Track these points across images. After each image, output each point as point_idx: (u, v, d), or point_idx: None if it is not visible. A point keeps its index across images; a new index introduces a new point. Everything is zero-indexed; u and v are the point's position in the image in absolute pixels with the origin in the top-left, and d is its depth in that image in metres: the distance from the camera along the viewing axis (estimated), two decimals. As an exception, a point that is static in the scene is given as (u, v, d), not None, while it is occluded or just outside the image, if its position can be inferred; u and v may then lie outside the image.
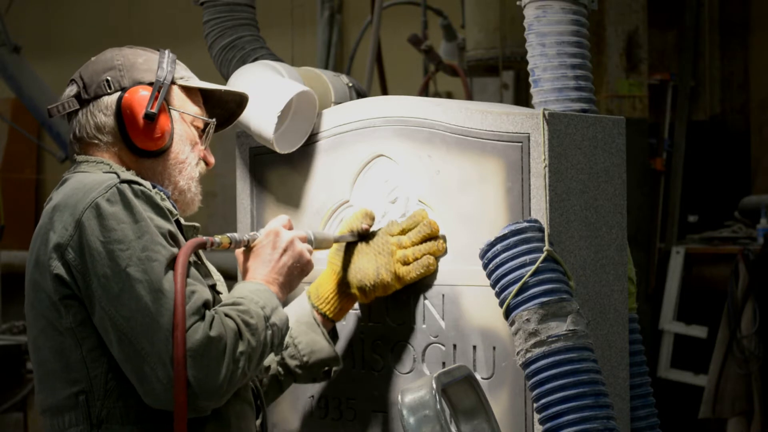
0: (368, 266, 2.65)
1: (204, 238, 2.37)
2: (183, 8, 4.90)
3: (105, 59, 2.48)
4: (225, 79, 3.05)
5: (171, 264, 2.28)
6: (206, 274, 2.45)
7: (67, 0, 9.03)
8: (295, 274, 2.50)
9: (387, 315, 2.74)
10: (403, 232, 2.66)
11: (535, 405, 2.48)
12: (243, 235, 2.47)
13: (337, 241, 2.66)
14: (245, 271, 2.48)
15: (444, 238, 2.66)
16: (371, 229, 2.69)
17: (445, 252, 2.66)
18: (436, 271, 2.66)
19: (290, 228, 2.53)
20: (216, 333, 2.25)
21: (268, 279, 2.45)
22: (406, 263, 2.64)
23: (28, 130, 6.87)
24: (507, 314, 2.50)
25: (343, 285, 2.67)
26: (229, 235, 2.44)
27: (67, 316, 2.30)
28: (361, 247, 2.67)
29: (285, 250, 2.48)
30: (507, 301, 2.49)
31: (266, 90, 2.71)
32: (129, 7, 8.64)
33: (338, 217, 2.82)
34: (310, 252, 2.53)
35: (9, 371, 5.09)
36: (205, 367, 2.23)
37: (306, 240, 2.54)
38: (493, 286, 2.52)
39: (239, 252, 2.51)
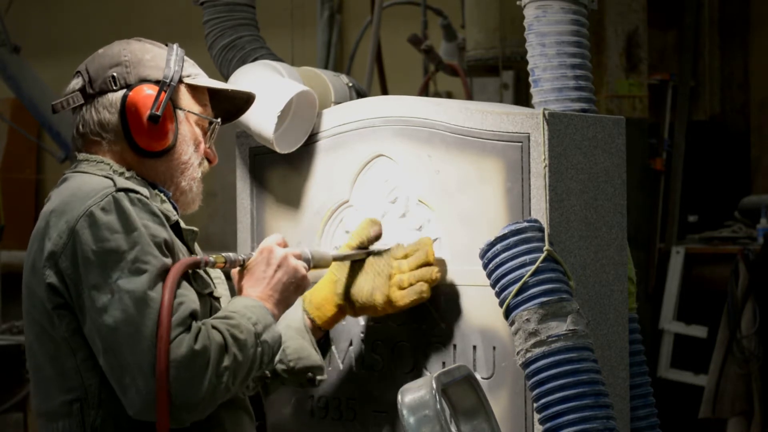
0: (365, 284, 2.62)
1: (198, 257, 2.34)
2: (183, 8, 4.90)
3: (112, 53, 2.44)
4: (225, 79, 3.04)
5: (161, 275, 2.25)
6: (203, 281, 2.42)
7: (67, 0, 9.02)
8: (291, 290, 2.46)
9: (387, 315, 2.73)
10: (406, 257, 2.64)
11: (535, 405, 2.48)
12: (238, 255, 2.44)
13: (336, 259, 2.63)
14: (240, 290, 2.46)
15: (443, 263, 2.62)
16: (380, 246, 2.66)
17: (437, 281, 2.62)
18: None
19: (284, 245, 2.49)
20: (200, 346, 2.23)
21: (262, 296, 2.41)
22: (401, 288, 2.61)
23: (28, 130, 6.87)
24: (507, 314, 2.50)
25: (337, 295, 2.64)
26: (224, 254, 2.41)
27: (61, 326, 2.28)
28: (363, 264, 2.65)
29: (279, 266, 2.44)
30: (507, 301, 2.49)
31: (266, 90, 2.71)
32: (129, 7, 8.64)
33: (338, 217, 2.82)
34: (306, 269, 2.50)
35: (9, 371, 5.08)
36: (187, 380, 2.21)
37: (299, 256, 2.50)
38: (493, 286, 2.52)
39: (235, 272, 2.48)
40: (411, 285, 2.59)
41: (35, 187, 8.84)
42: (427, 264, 2.60)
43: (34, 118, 5.31)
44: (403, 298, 2.59)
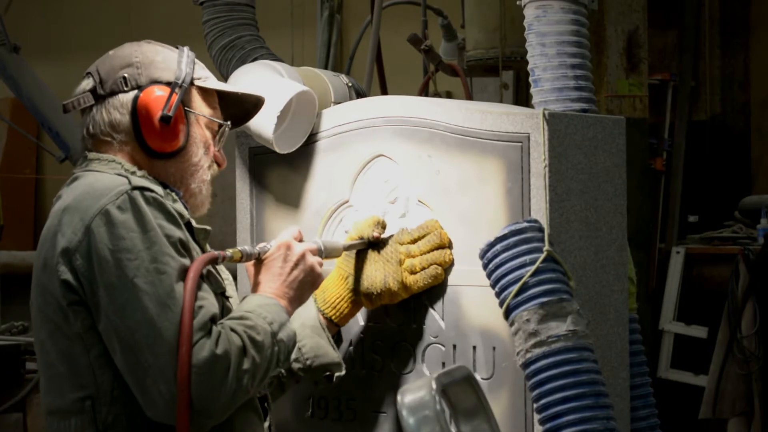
0: (376, 274, 2.64)
1: (216, 252, 2.33)
2: (183, 8, 4.89)
3: (123, 55, 2.43)
4: (224, 79, 3.04)
5: (180, 275, 2.25)
6: (216, 281, 2.42)
7: (67, 0, 9.02)
8: (306, 288, 2.46)
9: (387, 315, 2.73)
10: (413, 241, 2.65)
11: (535, 405, 2.48)
12: (254, 248, 2.44)
13: (346, 249, 2.65)
14: (256, 284, 2.45)
15: (451, 245, 2.64)
16: (382, 236, 2.68)
17: (452, 263, 2.65)
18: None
19: (301, 239, 2.50)
20: (222, 350, 2.22)
21: (277, 293, 2.41)
22: (413, 272, 2.63)
23: (28, 130, 6.84)
24: (507, 314, 2.50)
25: (350, 291, 2.66)
26: (240, 248, 2.40)
27: (75, 322, 2.27)
28: (370, 254, 2.66)
29: (296, 264, 2.45)
30: (507, 301, 2.48)
31: (266, 90, 2.70)
32: (129, 7, 8.63)
33: (338, 217, 2.82)
34: (321, 265, 2.50)
35: (8, 371, 5.07)
36: (209, 385, 2.21)
37: (317, 252, 2.51)
38: (493, 286, 2.52)
39: (249, 264, 2.48)
40: (423, 269, 2.61)
41: (35, 187, 8.83)
42: (440, 247, 2.62)
43: (34, 118, 5.29)
44: (417, 282, 2.63)
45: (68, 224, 2.28)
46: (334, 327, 2.68)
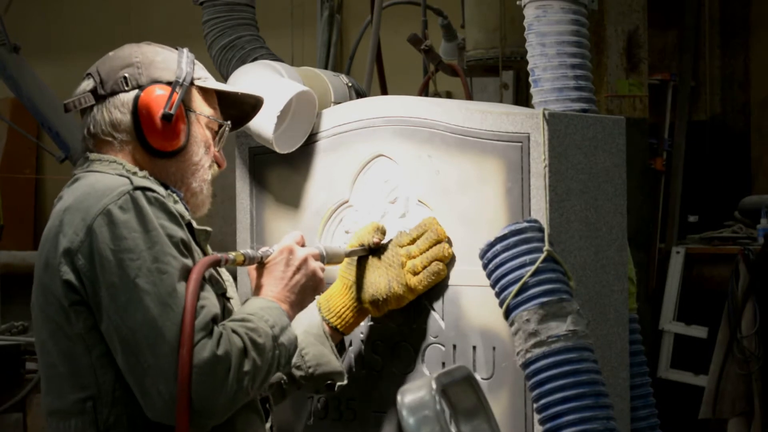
0: (380, 280, 2.64)
1: (219, 255, 2.34)
2: (183, 8, 4.89)
3: (123, 55, 2.44)
4: (224, 79, 3.04)
5: (182, 275, 2.25)
6: (217, 282, 2.42)
7: (67, 0, 9.02)
8: (308, 292, 2.47)
9: (387, 316, 2.73)
10: (412, 241, 2.65)
11: (535, 405, 2.48)
12: (256, 252, 2.44)
13: (348, 255, 2.65)
14: (258, 288, 2.45)
15: (449, 240, 2.64)
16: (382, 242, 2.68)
17: (452, 257, 2.64)
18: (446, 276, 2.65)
19: (303, 244, 2.51)
20: (222, 351, 2.22)
21: (279, 297, 2.42)
22: (415, 273, 2.63)
23: (28, 130, 6.83)
24: (507, 314, 2.50)
25: (355, 299, 2.66)
26: (243, 251, 2.41)
27: (77, 323, 2.27)
28: (372, 261, 2.66)
29: (299, 269, 2.46)
30: (507, 301, 2.48)
31: (266, 90, 2.70)
32: (129, 7, 8.63)
33: (338, 217, 2.82)
34: (323, 270, 2.51)
35: (8, 371, 5.07)
36: (209, 386, 2.21)
37: (319, 257, 2.51)
38: (493, 286, 2.52)
39: (252, 268, 2.48)
40: (425, 267, 2.62)
41: (35, 188, 8.83)
42: (438, 242, 2.63)
43: (34, 118, 5.29)
44: (421, 281, 2.63)
45: (70, 224, 2.28)
46: (337, 335, 2.68)
